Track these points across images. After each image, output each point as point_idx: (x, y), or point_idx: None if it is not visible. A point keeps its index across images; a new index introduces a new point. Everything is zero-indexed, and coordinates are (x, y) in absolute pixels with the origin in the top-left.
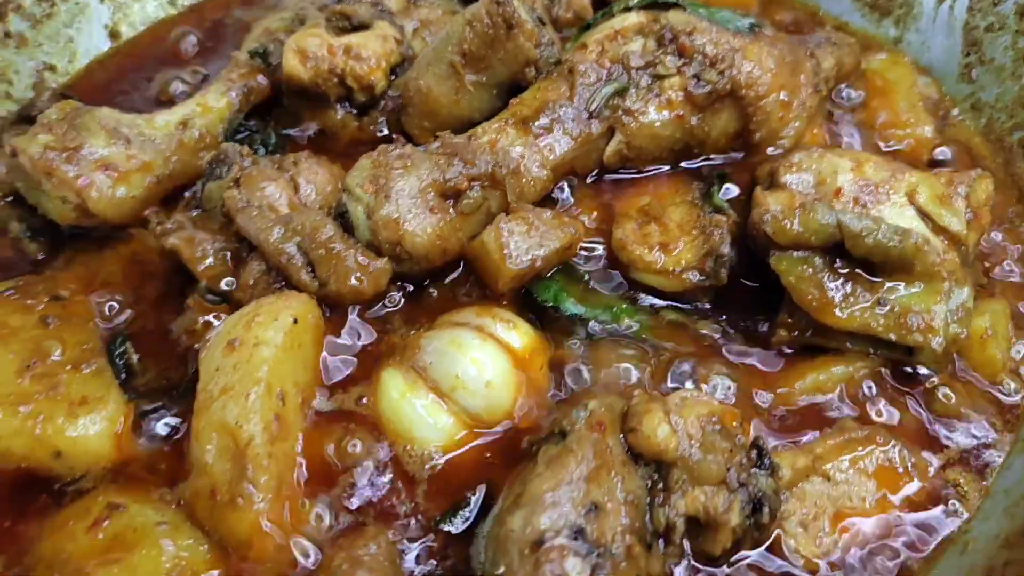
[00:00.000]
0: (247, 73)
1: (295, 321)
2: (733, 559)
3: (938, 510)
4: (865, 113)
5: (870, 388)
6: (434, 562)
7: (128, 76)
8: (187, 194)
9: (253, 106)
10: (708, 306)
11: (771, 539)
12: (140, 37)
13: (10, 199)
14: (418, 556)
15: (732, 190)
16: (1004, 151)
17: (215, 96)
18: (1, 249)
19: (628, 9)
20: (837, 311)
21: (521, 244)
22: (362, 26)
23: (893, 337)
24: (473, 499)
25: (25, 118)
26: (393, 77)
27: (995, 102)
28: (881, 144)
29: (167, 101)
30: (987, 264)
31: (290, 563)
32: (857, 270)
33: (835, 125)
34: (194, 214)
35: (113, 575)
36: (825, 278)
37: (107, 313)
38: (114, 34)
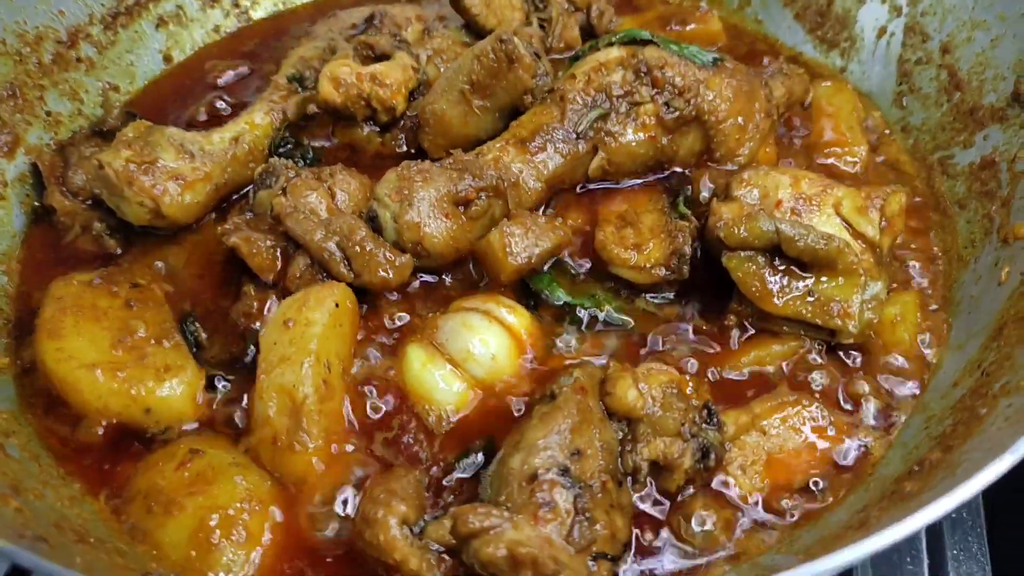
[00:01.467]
0: (286, 95)
1: (337, 305)
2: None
3: (850, 458)
4: (812, 133)
5: (802, 361)
6: (451, 497)
7: (180, 94)
8: (240, 198)
9: (291, 123)
10: (674, 295)
11: (715, 478)
12: (189, 60)
13: (90, 202)
14: (438, 491)
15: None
16: (926, 168)
17: (260, 115)
18: (85, 244)
19: (611, 44)
20: (775, 300)
21: (520, 244)
22: (384, 56)
23: (819, 321)
24: (479, 446)
25: (97, 132)
26: (411, 100)
27: (921, 126)
28: (824, 160)
29: (213, 116)
30: (906, 264)
31: (337, 494)
32: (792, 267)
33: (786, 143)
34: (248, 216)
35: (199, 503)
36: (766, 273)
37: (177, 295)
38: (167, 58)
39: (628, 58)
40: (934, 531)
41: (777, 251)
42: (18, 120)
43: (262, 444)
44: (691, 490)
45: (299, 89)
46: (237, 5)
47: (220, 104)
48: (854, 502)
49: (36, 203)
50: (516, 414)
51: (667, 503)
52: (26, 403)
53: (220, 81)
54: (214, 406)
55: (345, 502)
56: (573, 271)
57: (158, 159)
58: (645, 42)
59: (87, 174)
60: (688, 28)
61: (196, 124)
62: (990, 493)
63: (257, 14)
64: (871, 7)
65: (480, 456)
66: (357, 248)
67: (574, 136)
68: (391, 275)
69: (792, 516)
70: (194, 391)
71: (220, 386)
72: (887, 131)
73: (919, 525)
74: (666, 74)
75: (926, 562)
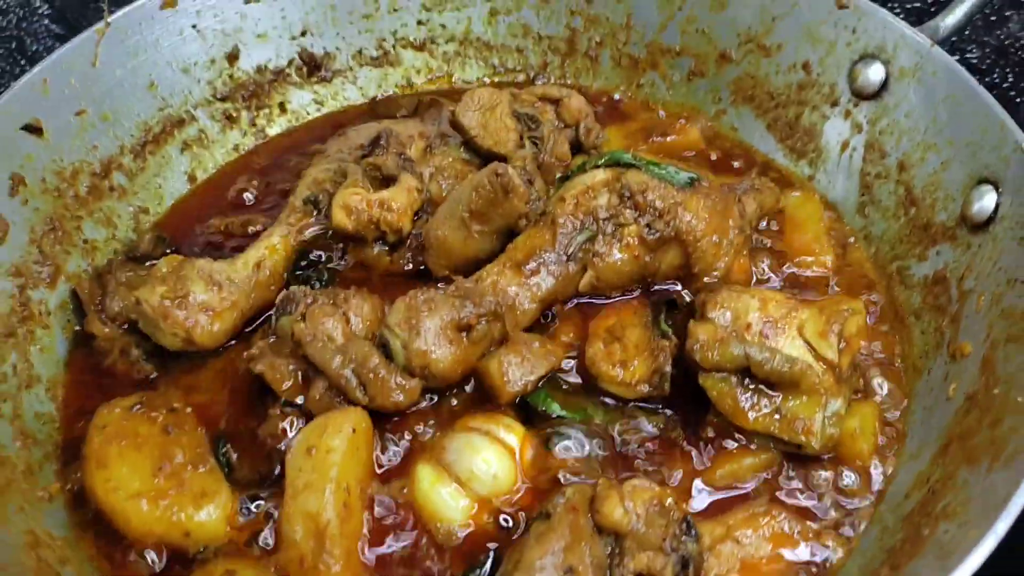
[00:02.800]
0: (301, 217)
1: (354, 431)
2: None
3: (815, 566)
4: (782, 242)
5: (772, 474)
6: None
7: (204, 212)
8: (264, 321)
9: (307, 243)
10: (659, 407)
11: None
12: (211, 178)
13: (126, 327)
14: None
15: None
16: (886, 276)
17: (278, 238)
18: (123, 367)
19: (597, 166)
20: (747, 416)
21: (516, 372)
22: (391, 177)
23: (785, 437)
24: (484, 561)
25: (131, 258)
26: (416, 218)
27: (881, 236)
28: (794, 269)
29: (238, 236)
30: (867, 373)
31: None
32: (761, 386)
33: (758, 254)
34: (270, 340)
35: None
36: (738, 392)
37: (209, 415)
38: (191, 178)
39: (612, 182)
40: None
41: (747, 372)
42: (58, 251)
43: (290, 564)
44: None
45: (314, 211)
46: (254, 124)
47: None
48: None
49: (76, 328)
50: (517, 525)
51: None
52: (77, 527)
53: (241, 198)
54: (245, 527)
55: None
56: (565, 386)
57: (190, 293)
58: (628, 165)
59: (124, 301)
60: (668, 139)
61: (220, 243)
62: None
63: (273, 131)
64: (835, 123)
65: (488, 567)
66: (371, 375)
67: (565, 258)
68: (402, 398)
69: None
70: (227, 513)
71: (252, 507)
72: (851, 239)
73: None
74: (647, 197)
75: None
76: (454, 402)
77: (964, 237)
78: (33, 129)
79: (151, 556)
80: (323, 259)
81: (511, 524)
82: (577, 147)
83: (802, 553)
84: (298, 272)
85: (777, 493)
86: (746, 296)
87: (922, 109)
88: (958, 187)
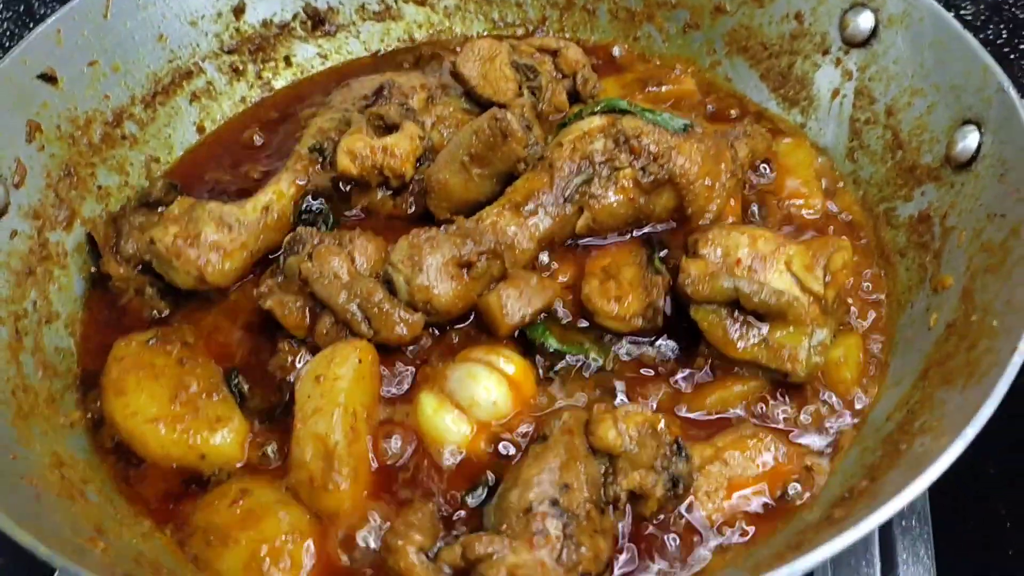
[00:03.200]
0: (307, 164)
1: (360, 361)
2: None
3: (798, 485)
4: (774, 186)
5: (761, 401)
6: (462, 528)
7: (213, 161)
8: (273, 261)
9: (312, 189)
10: (652, 340)
11: (685, 503)
12: (219, 129)
13: (140, 268)
14: (449, 520)
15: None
16: (873, 218)
17: (286, 184)
18: (138, 305)
19: (593, 113)
20: (736, 346)
21: (515, 305)
22: (394, 126)
23: (772, 365)
24: (484, 481)
25: (145, 203)
26: (418, 165)
27: (869, 179)
28: (784, 212)
29: (244, 180)
30: (852, 308)
31: (364, 526)
32: (749, 318)
33: (750, 197)
34: (279, 279)
35: (250, 536)
36: (728, 323)
37: (221, 351)
38: (200, 128)
39: (608, 127)
40: (887, 537)
41: (737, 304)
42: (74, 196)
43: (300, 484)
44: (662, 516)
45: (319, 159)
46: (260, 77)
47: (250, 166)
48: (796, 524)
49: (93, 269)
50: (513, 452)
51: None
52: (98, 452)
53: (253, 145)
54: (257, 452)
55: (372, 532)
56: (563, 321)
57: (201, 233)
58: (623, 111)
59: (138, 244)
60: (664, 89)
61: (229, 187)
62: (938, 503)
63: (278, 83)
64: (826, 71)
65: (484, 491)
66: (376, 309)
67: (562, 200)
68: (405, 331)
69: (746, 536)
70: (241, 438)
71: (263, 434)
72: (840, 183)
73: (824, 557)
74: (642, 142)
75: (878, 565)
76: (455, 337)
77: (948, 177)
78: (48, 78)
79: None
80: (329, 205)
81: (510, 451)
82: (574, 96)
83: (787, 472)
84: (304, 216)
85: (764, 419)
86: (735, 233)
87: (909, 55)
88: (943, 129)
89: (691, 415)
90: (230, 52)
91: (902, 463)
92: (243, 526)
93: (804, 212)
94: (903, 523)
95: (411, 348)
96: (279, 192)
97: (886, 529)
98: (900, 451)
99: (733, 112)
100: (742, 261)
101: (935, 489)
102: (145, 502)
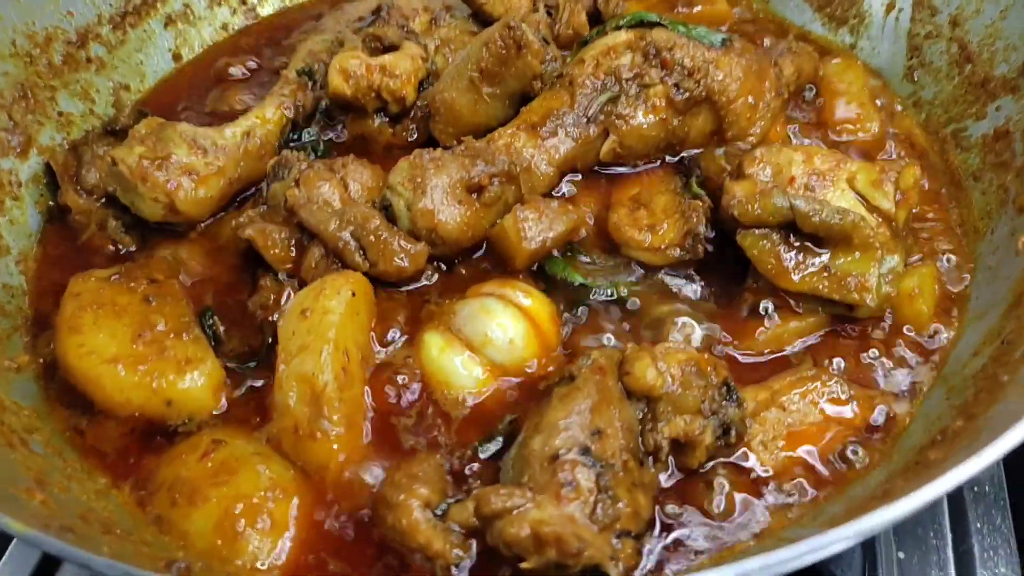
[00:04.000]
0: (296, 89)
1: (353, 294)
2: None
3: (873, 431)
4: (823, 111)
5: (821, 339)
6: (475, 482)
7: (190, 92)
8: (255, 193)
9: (301, 116)
10: (691, 274)
11: (738, 452)
12: (198, 58)
13: (103, 201)
14: (460, 475)
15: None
16: (939, 141)
17: (271, 109)
18: (100, 242)
19: (618, 28)
20: (792, 276)
21: (534, 228)
22: (392, 47)
23: (836, 296)
24: (502, 430)
25: (110, 131)
26: (421, 90)
27: (932, 100)
28: (836, 137)
29: (224, 112)
30: (923, 236)
31: (359, 481)
32: (807, 243)
33: (797, 122)
34: (262, 210)
35: (223, 492)
36: (781, 250)
37: (194, 290)
38: (176, 56)
39: (636, 41)
40: (957, 506)
41: (792, 227)
42: (30, 121)
43: (284, 433)
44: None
45: (308, 82)
46: (244, 2)
47: (231, 100)
48: (878, 474)
49: (51, 203)
50: (534, 397)
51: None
52: (48, 400)
53: (230, 77)
54: (234, 397)
55: (367, 488)
56: (587, 257)
57: (171, 154)
58: (653, 24)
59: (101, 172)
60: (695, 10)
61: (207, 121)
62: (1013, 466)
63: (264, 11)
64: None
65: (501, 440)
66: (372, 237)
67: (584, 120)
68: (406, 263)
69: (814, 490)
70: (214, 383)
71: (240, 378)
72: (898, 106)
73: (941, 491)
74: (675, 55)
75: (949, 536)
76: (463, 271)
77: None
78: None
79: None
80: (319, 132)
81: (530, 395)
82: (595, 18)
83: (856, 419)
84: (291, 145)
85: (827, 359)
86: (787, 151)
87: None
88: (1020, 34)
89: (741, 355)
90: None
91: (1011, 393)
92: (215, 481)
93: (860, 136)
94: (975, 489)
95: (413, 284)
96: (263, 117)
97: (956, 497)
98: (1001, 383)
99: (768, 41)
100: (796, 179)
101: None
102: (101, 456)
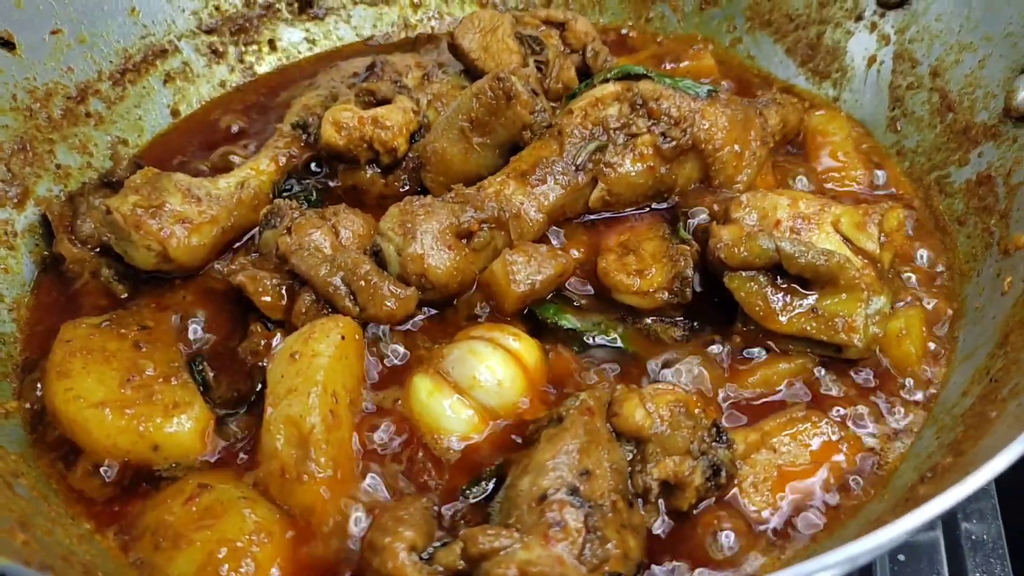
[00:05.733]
0: (290, 142)
1: (343, 338)
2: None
3: (863, 473)
4: (810, 161)
5: (810, 379)
6: (461, 521)
7: (186, 147)
8: (246, 241)
9: (295, 168)
10: (679, 318)
11: (728, 495)
12: (195, 114)
13: (97, 250)
14: (447, 518)
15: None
16: (923, 188)
17: (265, 161)
18: (94, 291)
19: (606, 80)
20: (780, 318)
21: (523, 271)
22: (385, 100)
23: (824, 337)
24: (490, 474)
25: (107, 183)
26: (412, 142)
27: (916, 148)
28: (824, 185)
29: (221, 168)
30: (909, 281)
31: (345, 524)
32: (794, 285)
33: (784, 171)
34: (253, 257)
35: (207, 536)
36: (768, 292)
37: (185, 337)
38: (174, 112)
39: (623, 92)
40: (955, 554)
41: (778, 269)
42: (28, 173)
43: (270, 477)
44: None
45: (303, 135)
46: (242, 60)
47: (227, 156)
48: (868, 513)
49: (45, 252)
50: (522, 441)
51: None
52: (35, 446)
53: (226, 132)
54: (221, 444)
55: (353, 531)
56: (576, 302)
57: (165, 203)
58: (639, 76)
59: (95, 221)
60: (682, 65)
61: (203, 175)
62: (1010, 514)
63: (262, 69)
64: (860, 38)
65: (491, 485)
66: (362, 282)
67: (573, 168)
68: (396, 308)
69: (807, 531)
70: (202, 427)
71: (228, 423)
72: (882, 154)
73: (930, 515)
74: (661, 105)
75: None
76: (452, 317)
77: (1009, 131)
78: (4, 42)
79: (113, 471)
80: (312, 184)
81: (519, 440)
82: (584, 73)
83: (847, 460)
84: (284, 193)
85: (815, 401)
86: (772, 196)
87: (954, 9)
88: (998, 82)
89: (730, 397)
90: (209, 32)
91: (999, 427)
92: (199, 525)
93: (845, 184)
94: (972, 537)
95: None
96: (257, 169)
97: (954, 545)
98: (990, 419)
99: (759, 93)
100: (782, 223)
101: (1006, 495)
102: (86, 503)
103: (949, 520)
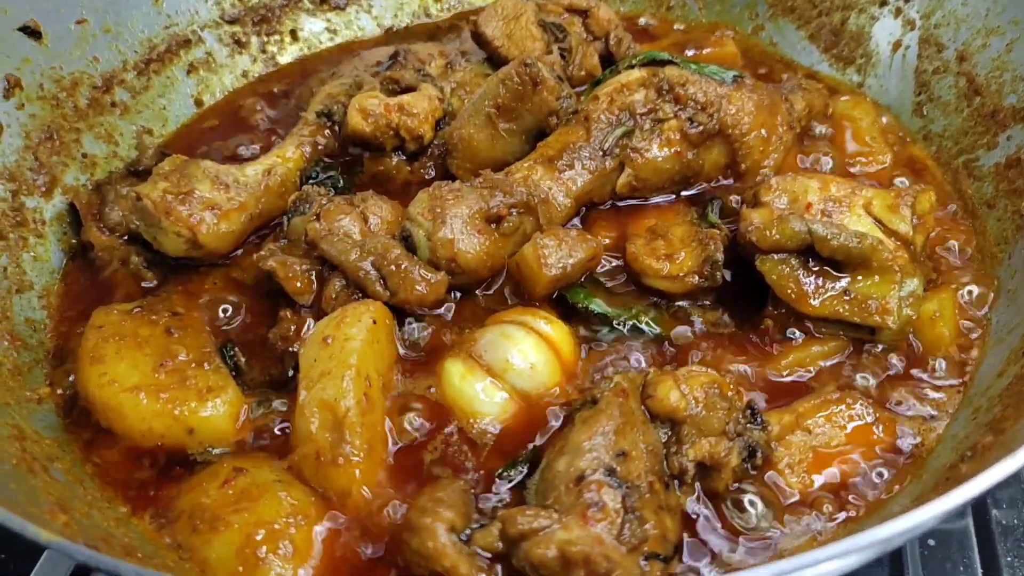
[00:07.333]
0: (315, 130)
1: (374, 322)
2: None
3: (900, 453)
4: (835, 145)
5: (844, 362)
6: (497, 504)
7: (211, 137)
8: (273, 228)
9: (321, 156)
10: (708, 304)
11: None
12: (219, 104)
13: (126, 238)
14: (484, 500)
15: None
16: (952, 172)
17: (291, 149)
18: (122, 278)
19: (632, 66)
20: (812, 301)
21: (554, 254)
22: (409, 88)
23: (857, 320)
24: (525, 456)
25: (133, 172)
26: (437, 129)
27: (943, 132)
28: (850, 169)
29: (244, 157)
30: (941, 264)
31: (382, 506)
32: (826, 267)
33: (810, 156)
34: (282, 243)
35: (244, 519)
36: (800, 275)
37: (215, 324)
38: (198, 102)
39: (649, 78)
40: (986, 539)
41: (810, 252)
42: (55, 162)
43: (305, 460)
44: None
45: (328, 124)
46: (264, 51)
47: (251, 146)
48: (908, 494)
49: (74, 240)
50: (556, 423)
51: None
52: (70, 432)
53: (249, 122)
54: (255, 426)
55: (391, 514)
56: (607, 286)
57: (194, 190)
58: (665, 62)
59: (124, 209)
60: (704, 52)
61: (228, 163)
62: None
63: (284, 59)
64: (885, 23)
65: (525, 468)
66: (392, 267)
67: (600, 153)
68: (427, 292)
69: (843, 512)
70: (236, 411)
71: (261, 408)
72: (908, 139)
73: (976, 492)
74: (688, 90)
75: (980, 571)
76: (482, 301)
77: None
78: (31, 32)
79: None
80: (339, 171)
81: (552, 421)
82: (607, 61)
83: (882, 442)
84: (311, 181)
85: (849, 382)
86: (803, 179)
87: None
88: None
89: (766, 379)
90: (232, 22)
91: None
92: (236, 508)
93: (873, 167)
94: (1003, 522)
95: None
96: (283, 156)
97: (984, 531)
98: None
99: (784, 77)
100: (813, 206)
101: None
102: (123, 487)
103: (979, 507)
